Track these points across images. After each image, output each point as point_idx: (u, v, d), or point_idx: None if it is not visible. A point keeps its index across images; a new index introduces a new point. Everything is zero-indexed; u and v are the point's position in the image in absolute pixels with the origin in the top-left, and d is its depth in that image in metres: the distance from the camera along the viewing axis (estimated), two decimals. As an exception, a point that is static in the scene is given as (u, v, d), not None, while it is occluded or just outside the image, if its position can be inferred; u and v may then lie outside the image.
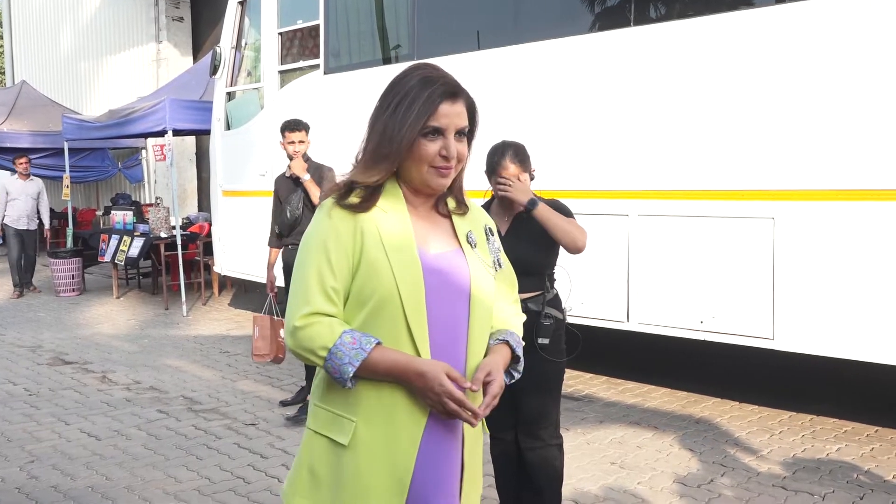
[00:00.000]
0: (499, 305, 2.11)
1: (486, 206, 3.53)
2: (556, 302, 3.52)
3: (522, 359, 2.12)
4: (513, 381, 2.11)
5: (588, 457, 4.79)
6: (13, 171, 11.61)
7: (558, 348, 3.51)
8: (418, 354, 1.90)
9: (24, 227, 11.31)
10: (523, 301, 2.79)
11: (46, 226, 11.82)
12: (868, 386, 5.83)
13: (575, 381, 6.44)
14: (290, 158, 5.69)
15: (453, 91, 1.95)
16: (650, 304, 5.66)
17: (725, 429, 5.26)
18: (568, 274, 3.74)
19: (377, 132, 1.96)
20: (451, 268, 1.98)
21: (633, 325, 5.77)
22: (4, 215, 11.24)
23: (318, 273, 1.90)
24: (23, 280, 11.36)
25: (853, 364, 4.94)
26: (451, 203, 2.07)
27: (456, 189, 2.05)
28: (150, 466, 4.67)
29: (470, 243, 2.05)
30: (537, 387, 3.43)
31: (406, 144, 1.91)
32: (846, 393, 5.81)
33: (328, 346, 1.87)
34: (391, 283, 1.88)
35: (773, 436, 5.11)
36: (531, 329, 3.28)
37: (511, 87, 6.33)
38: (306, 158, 5.74)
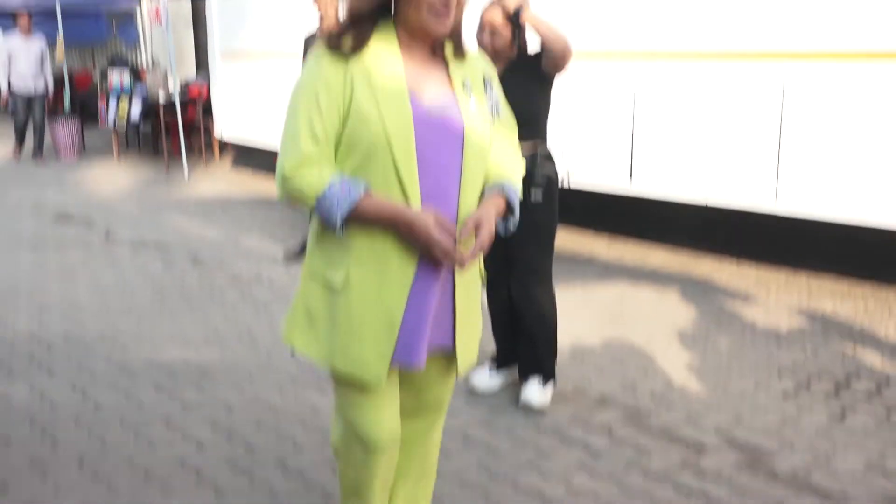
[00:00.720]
0: (496, 153, 2.08)
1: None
2: (549, 158, 3.50)
3: (517, 209, 2.10)
4: (507, 231, 2.11)
5: (587, 310, 4.88)
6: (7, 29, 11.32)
7: (551, 201, 3.51)
8: (408, 202, 1.90)
9: (31, 89, 10.81)
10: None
11: (50, 87, 11.26)
12: (866, 247, 5.87)
13: (576, 241, 6.49)
14: (321, 19, 5.31)
15: None
16: (653, 166, 5.63)
17: (723, 287, 5.35)
18: (572, 136, 3.71)
19: None
20: (444, 115, 1.95)
21: (636, 189, 5.76)
22: (10, 79, 10.76)
23: (307, 120, 1.88)
24: (34, 145, 10.99)
25: (850, 226, 4.96)
26: (449, 48, 2.02)
27: (454, 32, 2.00)
28: (157, 317, 4.77)
29: (465, 90, 2.00)
30: (529, 240, 3.45)
31: None
32: (844, 253, 5.87)
33: (318, 192, 1.88)
34: (380, 132, 1.86)
35: (770, 293, 5.20)
36: (524, 182, 3.28)
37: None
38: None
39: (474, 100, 2.01)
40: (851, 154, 4.77)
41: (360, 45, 1.89)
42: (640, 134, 5.66)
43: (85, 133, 11.67)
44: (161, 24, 9.53)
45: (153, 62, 14.57)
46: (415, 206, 1.90)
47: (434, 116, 1.93)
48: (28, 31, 10.81)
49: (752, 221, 5.96)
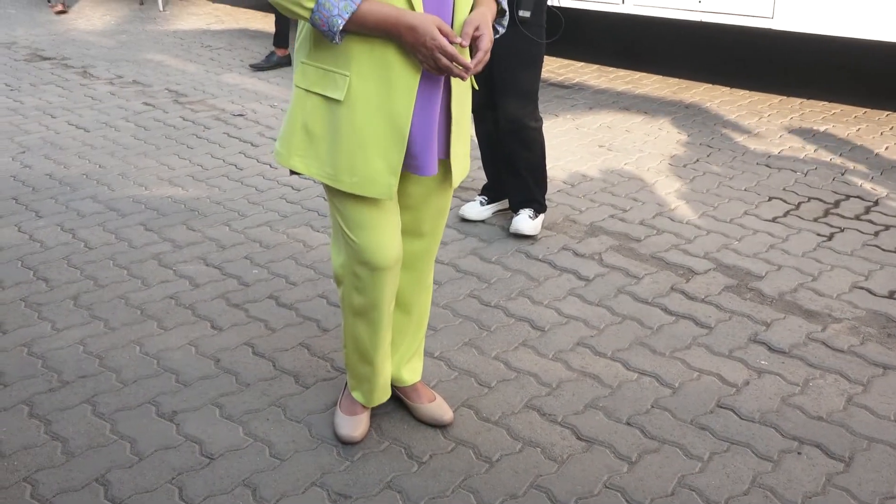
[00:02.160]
0: None
1: None
2: None
3: (508, 12, 2.05)
4: (497, 34, 2.05)
5: (577, 140, 4.82)
6: None
7: (538, 24, 3.36)
8: (411, 6, 1.82)
9: None
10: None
11: None
12: (859, 70, 5.75)
13: (566, 70, 6.33)
14: None
15: None
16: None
17: (715, 113, 5.26)
18: None
19: None
20: None
21: (628, 7, 5.55)
22: None
23: None
24: None
25: (845, 48, 4.83)
26: None
27: None
28: (141, 155, 4.69)
29: None
30: (516, 64, 3.34)
31: None
32: (837, 77, 5.75)
33: None
34: None
35: (762, 118, 5.13)
36: (512, 2, 3.15)
37: None
38: None
39: None
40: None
41: None
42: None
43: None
44: None
45: None
46: (417, 7, 1.82)
47: None
48: None
49: (746, 43, 5.80)
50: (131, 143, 4.88)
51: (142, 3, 9.51)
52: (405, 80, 1.88)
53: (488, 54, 1.91)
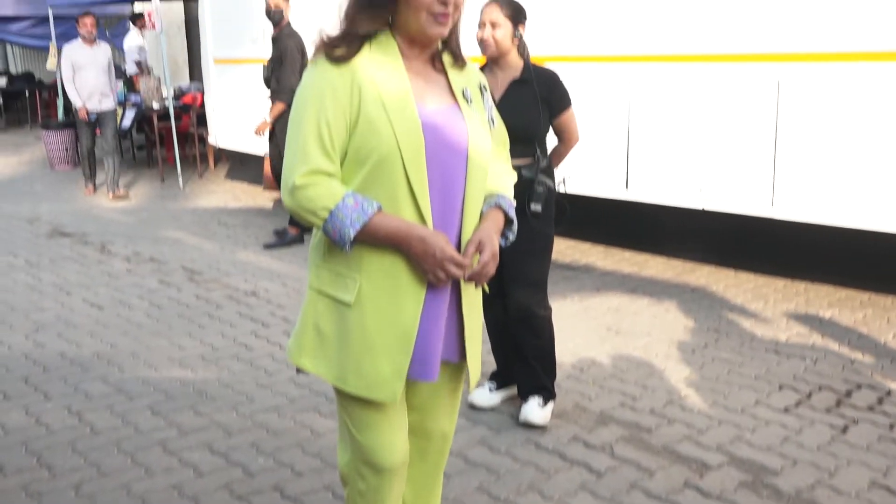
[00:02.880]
0: (491, 165, 2.09)
1: (481, 70, 3.46)
2: (548, 170, 3.49)
3: (516, 221, 2.13)
4: (508, 243, 2.13)
5: (585, 323, 4.86)
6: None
7: (548, 216, 3.50)
8: (419, 210, 1.90)
9: (97, 107, 8.81)
10: (516, 167, 2.77)
11: (115, 101, 9.23)
12: (863, 254, 5.85)
13: (573, 251, 6.47)
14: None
15: None
16: (650, 171, 5.61)
17: (721, 296, 5.33)
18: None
19: None
20: (447, 124, 1.94)
21: (632, 195, 5.74)
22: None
23: (315, 129, 1.86)
24: (109, 177, 8.94)
25: (849, 232, 4.95)
26: (448, 58, 2.03)
27: (453, 43, 2.02)
28: (153, 334, 4.74)
29: (466, 99, 2.01)
30: (526, 255, 3.43)
31: None
32: (841, 261, 5.85)
33: (329, 206, 1.85)
34: (392, 141, 1.85)
35: (768, 303, 5.18)
36: (523, 196, 3.27)
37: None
38: (284, 24, 6.53)
39: (474, 109, 2.03)
40: (848, 157, 4.75)
41: (355, 50, 1.89)
42: (636, 138, 5.64)
43: (78, 142, 11.60)
44: (155, 28, 9.46)
45: (147, 69, 14.52)
46: (426, 216, 1.90)
47: (438, 125, 1.92)
48: (92, 38, 8.83)
49: (749, 228, 5.95)
50: (144, 322, 4.94)
51: (163, 181, 9.88)
52: (413, 286, 1.93)
53: (492, 267, 1.97)
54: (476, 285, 1.96)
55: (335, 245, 1.93)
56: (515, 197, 2.17)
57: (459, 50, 2.03)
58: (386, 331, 1.94)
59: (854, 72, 4.67)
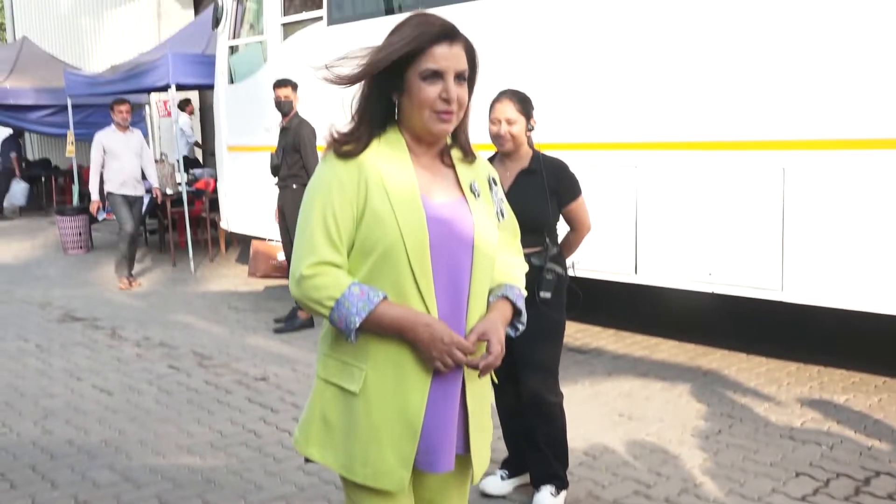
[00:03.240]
0: (500, 256, 2.11)
1: (490, 161, 3.52)
2: (558, 257, 3.52)
3: (525, 311, 2.13)
4: (517, 333, 2.13)
5: (596, 409, 4.81)
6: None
7: (559, 303, 3.51)
8: (423, 302, 1.91)
9: (132, 192, 8.74)
10: (526, 255, 2.79)
11: (155, 185, 9.27)
12: (876, 337, 5.82)
13: (583, 335, 6.45)
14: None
15: (449, 33, 1.93)
16: (658, 256, 5.64)
17: (733, 380, 5.28)
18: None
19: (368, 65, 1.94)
20: (454, 217, 1.97)
21: (641, 279, 5.76)
22: (106, 180, 8.59)
23: (322, 222, 1.90)
24: (124, 263, 8.82)
25: (860, 315, 4.93)
26: (457, 153, 2.07)
27: (462, 140, 2.06)
28: (162, 421, 4.71)
29: (473, 193, 2.04)
30: (537, 342, 3.43)
31: (385, 62, 1.89)
32: (854, 344, 5.81)
33: (335, 296, 1.88)
34: (396, 234, 1.88)
35: (781, 387, 5.13)
36: (533, 284, 3.29)
37: (517, 37, 6.23)
38: (293, 114, 6.71)
39: (482, 202, 2.05)
40: (855, 241, 4.76)
41: (364, 145, 1.94)
42: (644, 224, 5.68)
43: (92, 228, 11.76)
44: (170, 116, 9.68)
45: (161, 155, 14.82)
46: (431, 306, 1.91)
47: (445, 218, 1.95)
48: (126, 125, 8.79)
49: (760, 310, 5.92)
50: (153, 408, 4.92)
51: (174, 266, 9.96)
52: (419, 376, 1.94)
53: (498, 358, 1.98)
54: (480, 375, 1.97)
55: (342, 335, 1.94)
56: (526, 285, 2.19)
57: (468, 146, 2.07)
58: (391, 420, 1.94)
59: (857, 159, 4.73)
